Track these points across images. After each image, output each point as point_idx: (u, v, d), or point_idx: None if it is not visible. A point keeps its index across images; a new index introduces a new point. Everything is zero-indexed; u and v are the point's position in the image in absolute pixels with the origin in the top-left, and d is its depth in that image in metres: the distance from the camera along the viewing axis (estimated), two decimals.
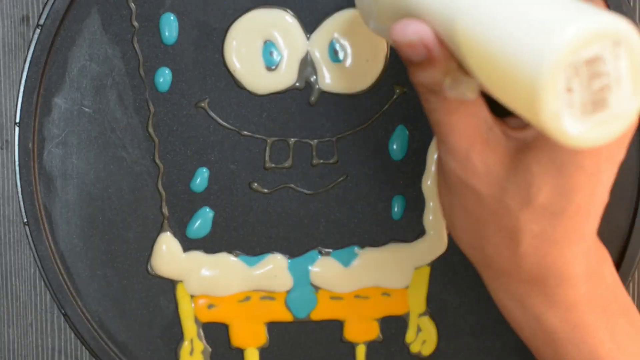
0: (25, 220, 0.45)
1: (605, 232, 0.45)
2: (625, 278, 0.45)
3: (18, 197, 0.45)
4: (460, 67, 0.33)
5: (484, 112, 0.34)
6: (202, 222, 0.46)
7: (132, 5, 0.45)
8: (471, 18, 0.31)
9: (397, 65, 0.45)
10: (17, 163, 0.45)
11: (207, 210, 0.46)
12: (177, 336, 0.46)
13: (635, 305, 0.38)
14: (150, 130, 0.45)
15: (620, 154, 0.34)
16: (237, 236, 0.46)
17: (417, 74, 0.33)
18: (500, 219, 0.34)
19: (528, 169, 0.33)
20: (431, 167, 0.45)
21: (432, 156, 0.45)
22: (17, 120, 0.45)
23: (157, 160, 0.45)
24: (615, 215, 0.45)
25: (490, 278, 0.37)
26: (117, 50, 0.45)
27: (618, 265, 0.45)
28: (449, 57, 0.32)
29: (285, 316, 0.46)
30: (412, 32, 0.32)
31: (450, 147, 0.34)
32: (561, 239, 0.34)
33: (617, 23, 0.29)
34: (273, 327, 0.46)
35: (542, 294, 0.35)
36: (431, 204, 0.46)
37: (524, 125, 0.34)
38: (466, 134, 0.34)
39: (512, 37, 0.29)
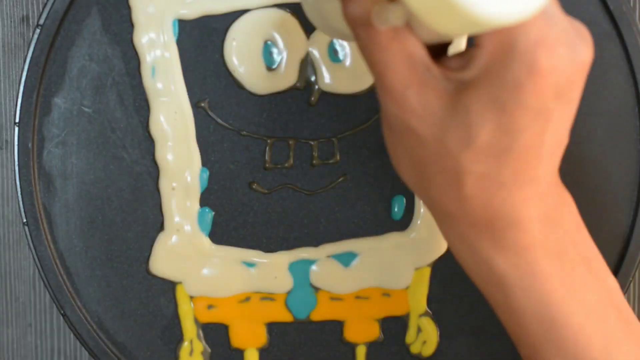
0: (25, 220, 0.45)
1: (605, 232, 0.45)
2: (625, 278, 0.45)
3: (17, 197, 0.45)
4: None
5: (420, 52, 0.33)
6: (202, 222, 0.46)
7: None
8: None
9: None
10: (16, 163, 0.45)
11: (207, 210, 0.46)
12: (176, 337, 0.46)
13: (600, 254, 0.36)
14: (150, 130, 0.45)
15: (572, 92, 0.33)
16: (237, 236, 0.46)
17: (347, 5, 0.33)
18: (442, 160, 0.33)
19: (468, 108, 0.32)
20: None
21: None
22: (17, 120, 0.45)
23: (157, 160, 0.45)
24: (615, 215, 0.45)
25: (438, 219, 0.36)
26: (117, 50, 0.45)
27: (618, 265, 0.45)
28: None
29: (286, 317, 0.46)
30: None
31: (386, 86, 0.34)
32: (509, 181, 0.33)
33: None
34: (273, 328, 0.46)
35: (490, 238, 0.34)
36: None
37: (463, 65, 0.34)
38: (401, 73, 0.33)
39: None
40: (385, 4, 0.32)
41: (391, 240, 0.46)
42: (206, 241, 0.46)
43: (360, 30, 0.33)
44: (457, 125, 0.33)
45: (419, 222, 0.45)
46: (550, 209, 0.34)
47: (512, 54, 0.31)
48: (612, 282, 0.36)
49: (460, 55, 0.34)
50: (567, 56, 0.32)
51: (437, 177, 0.34)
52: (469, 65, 0.33)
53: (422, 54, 0.33)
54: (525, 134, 0.32)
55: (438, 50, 0.35)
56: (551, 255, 0.35)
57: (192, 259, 0.46)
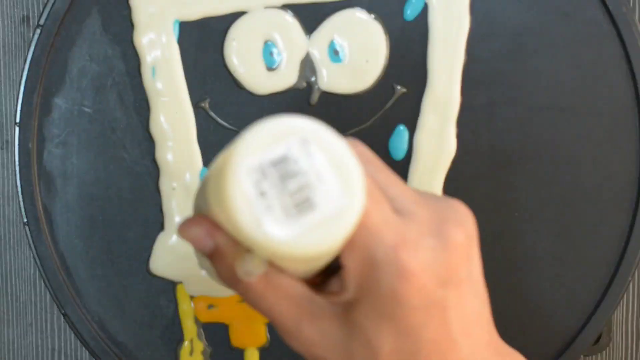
0: (26, 220, 0.45)
1: (605, 232, 0.45)
2: (625, 277, 0.45)
3: (18, 197, 0.45)
4: (248, 250, 0.33)
5: (297, 288, 0.33)
6: None
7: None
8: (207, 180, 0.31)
9: (397, 65, 0.45)
10: (17, 163, 0.45)
11: None
12: (177, 336, 0.46)
13: None
14: (150, 130, 0.45)
15: (460, 272, 0.32)
16: None
17: (217, 268, 0.33)
18: None
19: (361, 326, 0.32)
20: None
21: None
22: (18, 120, 0.45)
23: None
24: (616, 214, 0.45)
25: None
26: (117, 50, 0.45)
27: (618, 264, 0.45)
28: (235, 243, 0.32)
29: None
30: (191, 224, 0.33)
31: (281, 328, 0.34)
32: None
33: (293, 123, 0.29)
34: (273, 327, 0.46)
35: None
36: None
37: (340, 288, 0.33)
38: (288, 313, 0.33)
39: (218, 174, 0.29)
40: (244, 256, 0.32)
41: None
42: None
43: (236, 287, 0.33)
44: (358, 343, 0.32)
45: None
46: None
47: (375, 265, 0.31)
48: None
49: (337, 276, 0.33)
50: (436, 245, 0.31)
51: None
52: (344, 287, 0.32)
53: (300, 289, 0.33)
54: (428, 330, 0.32)
55: (322, 276, 0.34)
56: None
57: (192, 259, 0.46)
